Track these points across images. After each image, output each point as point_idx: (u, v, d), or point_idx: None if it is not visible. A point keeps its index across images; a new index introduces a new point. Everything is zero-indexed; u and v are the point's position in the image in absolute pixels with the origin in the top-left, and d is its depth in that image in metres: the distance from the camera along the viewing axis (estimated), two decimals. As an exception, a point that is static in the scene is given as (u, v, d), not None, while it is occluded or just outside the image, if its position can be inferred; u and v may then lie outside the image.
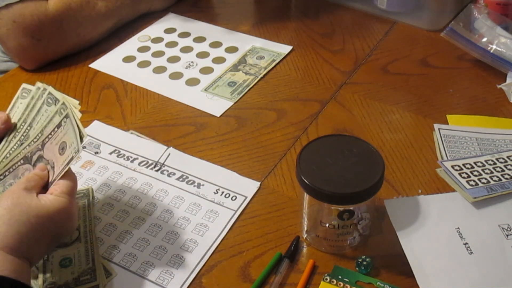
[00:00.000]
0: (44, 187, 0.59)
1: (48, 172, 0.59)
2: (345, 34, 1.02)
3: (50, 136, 0.60)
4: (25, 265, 0.53)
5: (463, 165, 0.71)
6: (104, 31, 1.00)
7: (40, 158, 0.61)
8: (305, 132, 0.80)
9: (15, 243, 0.53)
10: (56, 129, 0.60)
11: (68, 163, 0.57)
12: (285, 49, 0.97)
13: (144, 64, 0.96)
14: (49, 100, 0.62)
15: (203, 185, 0.72)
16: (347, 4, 1.09)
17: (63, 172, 0.57)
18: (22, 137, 0.63)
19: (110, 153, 0.78)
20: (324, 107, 0.85)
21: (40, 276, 0.61)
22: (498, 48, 0.88)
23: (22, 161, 0.61)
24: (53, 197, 0.56)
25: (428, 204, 0.66)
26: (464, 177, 0.68)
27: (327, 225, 0.62)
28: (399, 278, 0.60)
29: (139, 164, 0.76)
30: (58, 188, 0.57)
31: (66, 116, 0.59)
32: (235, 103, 0.86)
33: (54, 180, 0.58)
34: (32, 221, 0.54)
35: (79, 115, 0.59)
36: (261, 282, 0.60)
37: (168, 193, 0.72)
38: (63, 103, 0.60)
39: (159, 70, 0.94)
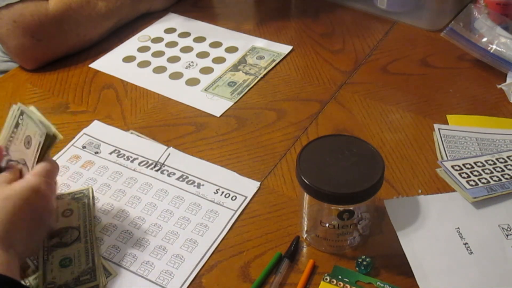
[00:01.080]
0: None
1: (21, 169, 0.61)
2: (345, 34, 1.02)
3: (11, 138, 0.62)
4: (9, 257, 0.54)
5: (463, 165, 0.71)
6: (104, 31, 1.00)
7: (8, 161, 0.62)
8: (305, 132, 0.80)
9: None
10: (15, 130, 0.62)
11: (38, 149, 0.59)
12: (285, 49, 0.97)
13: (144, 64, 0.96)
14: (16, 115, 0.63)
15: (203, 185, 0.72)
16: (347, 4, 1.09)
17: (35, 160, 0.59)
18: None
19: (110, 153, 0.78)
20: (324, 107, 0.85)
21: (40, 276, 0.61)
22: (498, 48, 0.88)
23: None
24: (23, 179, 0.58)
25: (428, 204, 0.66)
26: (464, 177, 0.68)
27: (327, 225, 0.62)
28: (399, 278, 0.60)
29: (139, 164, 0.76)
30: (31, 171, 0.59)
31: (21, 113, 0.61)
32: (235, 103, 0.86)
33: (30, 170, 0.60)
34: (1, 205, 0.55)
35: (33, 108, 0.61)
36: (261, 282, 0.60)
37: (168, 193, 0.72)
38: (18, 107, 0.62)
39: (159, 70, 0.94)
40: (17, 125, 0.62)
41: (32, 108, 0.62)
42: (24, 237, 0.57)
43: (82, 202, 0.69)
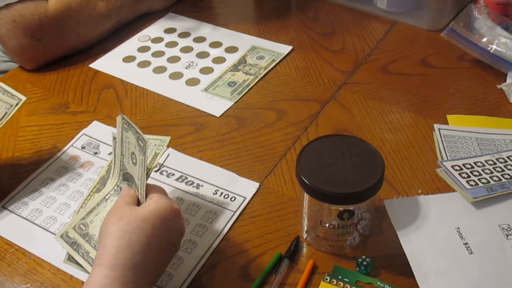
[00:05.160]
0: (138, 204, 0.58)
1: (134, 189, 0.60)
2: (345, 34, 1.02)
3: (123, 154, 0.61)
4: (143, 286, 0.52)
5: (463, 165, 0.71)
6: (104, 31, 1.00)
7: (126, 174, 0.62)
8: (305, 132, 0.80)
9: (129, 255, 0.51)
10: (124, 144, 0.61)
11: (142, 167, 0.57)
12: (285, 49, 0.97)
13: (144, 64, 0.96)
14: (124, 125, 0.61)
15: (202, 185, 0.72)
16: (347, 4, 1.09)
17: (145, 178, 0.57)
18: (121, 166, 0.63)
19: (109, 154, 0.77)
20: (324, 107, 0.85)
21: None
22: (498, 48, 0.88)
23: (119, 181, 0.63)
24: (153, 200, 0.55)
25: (428, 204, 0.66)
26: (464, 177, 0.68)
27: (327, 225, 0.62)
28: (399, 278, 0.60)
29: (139, 164, 0.76)
30: (154, 194, 0.56)
31: (125, 127, 0.60)
32: (235, 103, 0.86)
33: (142, 191, 0.58)
34: (141, 226, 0.52)
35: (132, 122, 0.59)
36: (261, 282, 0.60)
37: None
38: (122, 119, 0.60)
39: (159, 70, 0.94)
40: (123, 139, 0.60)
41: (127, 118, 0.59)
42: (156, 262, 0.54)
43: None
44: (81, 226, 0.62)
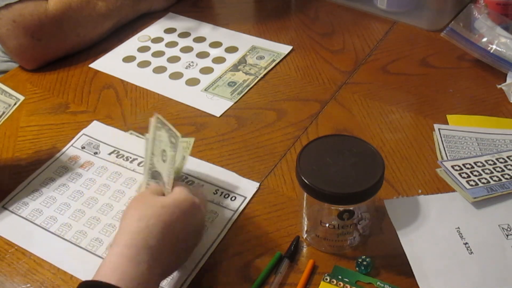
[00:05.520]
0: None
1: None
2: (345, 34, 1.02)
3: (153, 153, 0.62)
4: (156, 277, 0.53)
5: (463, 165, 0.71)
6: (104, 31, 1.00)
7: (155, 172, 0.62)
8: (305, 132, 0.80)
9: (145, 237, 0.52)
10: (156, 143, 0.61)
11: (172, 162, 0.58)
12: (285, 49, 0.97)
13: (144, 64, 0.96)
14: (158, 124, 0.61)
15: (202, 185, 0.72)
16: (347, 4, 1.09)
17: (173, 173, 0.58)
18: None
19: (109, 154, 0.78)
20: (324, 107, 0.85)
21: None
22: (498, 48, 0.88)
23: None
24: (175, 191, 0.58)
25: (428, 204, 0.66)
26: (464, 177, 0.68)
27: (327, 225, 0.62)
28: (399, 278, 0.60)
29: (138, 164, 0.76)
30: (176, 188, 0.58)
31: (159, 126, 0.60)
32: (235, 103, 0.86)
33: (168, 186, 0.59)
34: (160, 211, 0.54)
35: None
36: (261, 282, 0.60)
37: (168, 193, 0.72)
38: (156, 119, 0.61)
39: (159, 70, 0.94)
40: (155, 138, 0.61)
41: (162, 118, 0.60)
42: (173, 253, 0.55)
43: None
44: None
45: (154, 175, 0.62)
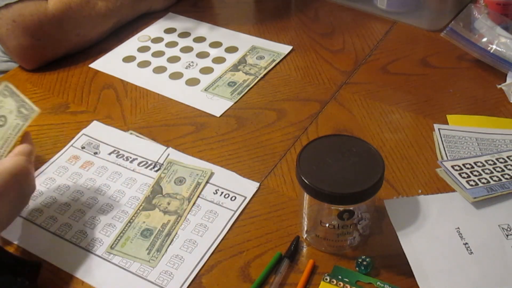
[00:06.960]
0: None
1: None
2: (345, 34, 1.02)
3: None
4: None
5: (463, 165, 0.71)
6: (104, 31, 1.00)
7: None
8: (305, 132, 0.80)
9: None
10: None
11: (15, 130, 0.63)
12: (285, 49, 0.97)
13: (144, 64, 0.96)
14: (5, 92, 0.66)
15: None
16: (347, 4, 1.09)
17: (13, 139, 0.62)
18: None
19: (109, 154, 0.78)
20: (324, 107, 0.85)
21: None
22: (498, 48, 0.88)
23: None
24: (9, 157, 0.61)
25: (428, 204, 0.66)
26: (464, 177, 0.68)
27: (327, 225, 0.62)
28: (399, 278, 0.60)
29: (138, 164, 0.76)
30: (15, 150, 0.62)
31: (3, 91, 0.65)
32: (235, 103, 0.86)
33: (6, 149, 0.63)
34: None
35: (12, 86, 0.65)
36: (261, 282, 0.60)
37: (168, 193, 0.72)
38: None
39: (159, 70, 0.94)
40: None
41: (12, 86, 0.65)
42: (6, 213, 0.60)
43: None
44: None
45: None
